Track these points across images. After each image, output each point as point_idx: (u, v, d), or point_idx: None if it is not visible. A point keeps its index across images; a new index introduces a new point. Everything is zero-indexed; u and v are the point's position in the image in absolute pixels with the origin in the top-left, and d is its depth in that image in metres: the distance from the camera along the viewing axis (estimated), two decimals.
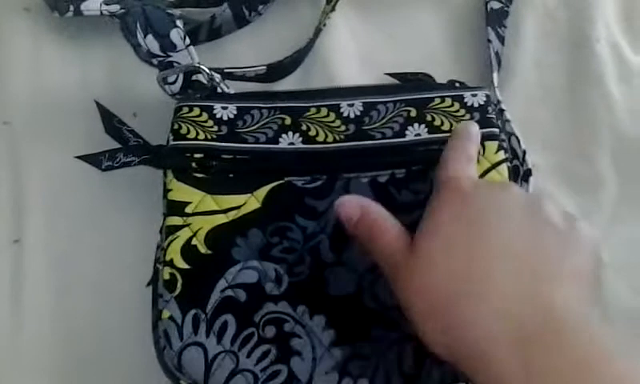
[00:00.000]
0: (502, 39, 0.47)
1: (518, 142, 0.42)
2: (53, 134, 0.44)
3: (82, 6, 0.43)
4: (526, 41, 0.48)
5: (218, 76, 0.41)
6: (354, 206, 0.35)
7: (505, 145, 0.39)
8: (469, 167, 0.35)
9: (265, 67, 0.43)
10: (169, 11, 0.42)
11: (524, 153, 0.41)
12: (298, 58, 0.45)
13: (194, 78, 0.41)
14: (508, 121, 0.43)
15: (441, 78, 0.45)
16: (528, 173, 0.41)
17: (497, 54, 0.46)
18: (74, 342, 0.40)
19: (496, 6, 0.48)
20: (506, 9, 0.48)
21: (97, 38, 0.45)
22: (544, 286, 0.30)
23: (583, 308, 0.29)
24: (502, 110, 0.43)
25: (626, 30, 0.49)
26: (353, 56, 0.48)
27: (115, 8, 0.43)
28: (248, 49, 0.46)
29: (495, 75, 0.45)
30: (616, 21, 0.49)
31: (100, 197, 0.43)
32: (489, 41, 0.46)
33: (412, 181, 0.38)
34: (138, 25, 0.40)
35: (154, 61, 0.41)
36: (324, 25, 0.46)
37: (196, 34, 0.46)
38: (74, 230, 0.42)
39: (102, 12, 0.43)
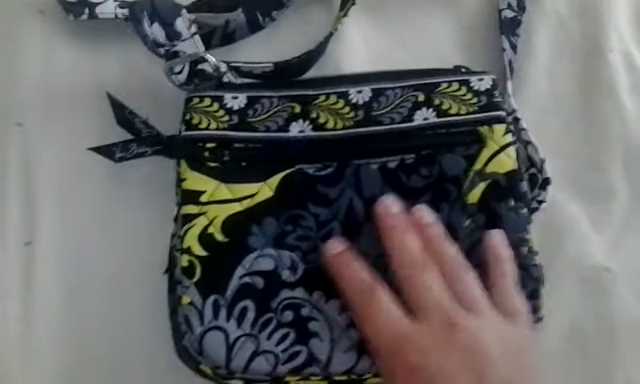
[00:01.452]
0: (514, 48, 0.47)
1: (536, 150, 0.42)
2: (66, 137, 0.44)
3: (97, 9, 0.43)
4: (538, 50, 0.48)
5: (224, 65, 0.42)
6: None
7: (512, 127, 0.40)
8: None
9: (272, 65, 0.43)
10: (176, 1, 0.42)
11: (542, 161, 0.42)
12: (308, 60, 0.45)
13: (199, 67, 0.41)
14: (524, 129, 0.43)
15: None
16: (546, 181, 0.42)
17: (510, 62, 0.46)
18: (86, 344, 0.41)
19: (510, 14, 0.48)
20: (519, 18, 0.48)
21: (111, 41, 0.45)
22: None
23: None
24: (517, 119, 0.44)
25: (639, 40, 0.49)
26: (365, 62, 0.47)
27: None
28: (261, 54, 0.46)
29: (510, 84, 0.45)
30: (629, 31, 0.49)
31: (113, 199, 0.43)
32: (503, 49, 0.46)
33: (421, 166, 0.39)
34: (145, 13, 0.41)
35: (161, 50, 0.41)
36: (335, 29, 0.46)
37: (209, 39, 0.45)
38: (87, 233, 0.42)
39: (116, 15, 0.43)
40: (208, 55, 0.41)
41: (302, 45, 0.46)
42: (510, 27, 0.47)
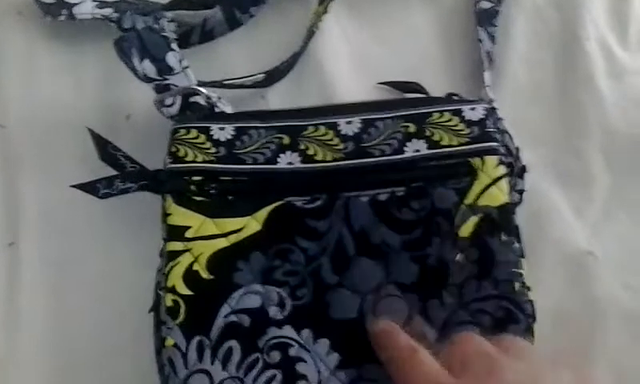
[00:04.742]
0: (492, 38, 0.47)
1: (511, 139, 0.42)
2: (48, 136, 0.44)
3: (74, 10, 0.44)
4: (515, 40, 0.49)
5: (216, 96, 0.41)
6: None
7: (504, 159, 0.39)
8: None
9: (263, 75, 0.43)
10: (164, 34, 0.42)
11: (517, 150, 0.42)
12: (294, 62, 0.46)
13: (191, 99, 0.41)
14: (500, 119, 0.43)
15: (433, 79, 0.46)
16: (523, 170, 0.42)
17: (488, 53, 0.46)
18: (71, 346, 0.41)
19: (486, 5, 0.48)
20: (496, 8, 0.48)
21: (90, 40, 0.46)
22: None
23: None
24: (493, 109, 0.44)
25: (614, 26, 0.49)
26: (345, 57, 0.48)
27: (108, 11, 0.43)
28: (240, 50, 0.47)
29: (486, 74, 0.46)
30: (604, 17, 0.49)
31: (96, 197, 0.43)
32: (479, 40, 0.47)
33: (412, 198, 0.38)
34: (134, 50, 0.40)
35: (151, 84, 0.41)
36: (317, 27, 0.46)
37: (188, 37, 0.46)
38: (70, 232, 0.42)
39: (94, 15, 0.43)
40: (200, 88, 0.40)
41: (281, 40, 0.46)
42: (486, 18, 0.47)
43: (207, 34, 0.47)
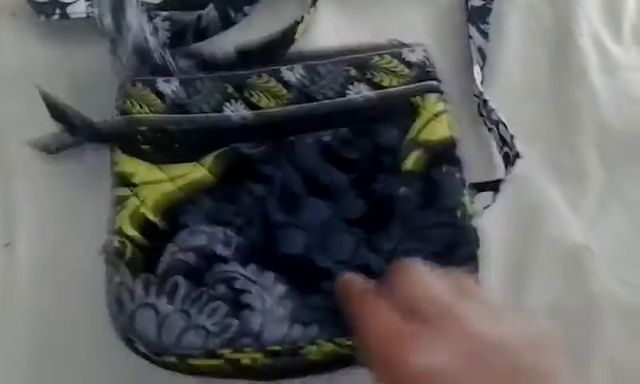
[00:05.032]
0: (484, 35, 0.47)
1: (506, 127, 0.43)
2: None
3: (68, 9, 0.44)
4: (509, 37, 0.49)
5: (168, 53, 0.42)
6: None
7: (445, 96, 0.41)
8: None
9: (234, 52, 0.44)
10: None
11: (512, 137, 0.42)
12: (274, 48, 0.45)
13: (145, 50, 0.41)
14: (493, 110, 0.44)
15: None
16: (516, 156, 0.42)
17: (480, 49, 0.47)
18: (66, 345, 0.40)
19: (478, 3, 0.48)
20: (488, 6, 0.49)
21: (84, 40, 0.45)
22: None
23: None
24: (485, 101, 0.44)
25: (608, 22, 0.50)
26: None
27: None
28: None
29: (476, 69, 0.46)
30: (598, 14, 0.50)
31: (89, 199, 0.43)
32: (470, 37, 0.47)
33: (355, 138, 0.39)
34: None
35: (111, 36, 0.41)
36: (302, 18, 0.46)
37: (182, 36, 0.46)
38: (66, 233, 0.42)
39: (87, 15, 0.43)
40: (151, 39, 0.41)
41: None
42: (478, 15, 0.48)
43: (201, 33, 0.47)
